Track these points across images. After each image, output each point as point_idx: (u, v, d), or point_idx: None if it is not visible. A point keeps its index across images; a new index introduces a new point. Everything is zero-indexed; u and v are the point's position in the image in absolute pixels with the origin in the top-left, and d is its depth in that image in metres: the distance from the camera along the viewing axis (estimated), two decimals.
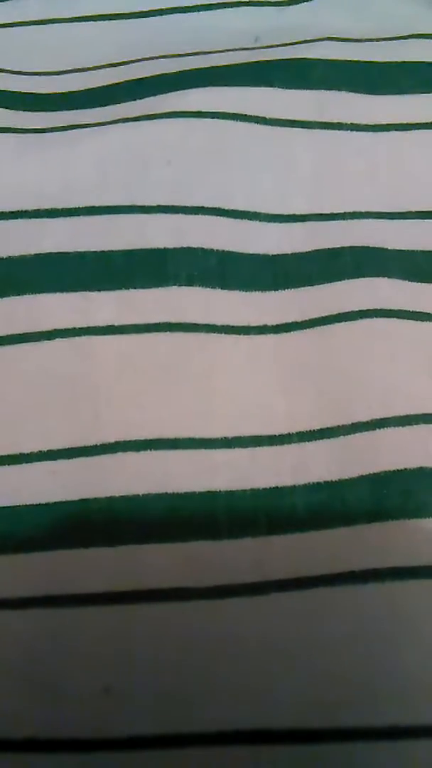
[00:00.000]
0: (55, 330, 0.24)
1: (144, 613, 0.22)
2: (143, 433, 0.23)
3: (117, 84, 0.28)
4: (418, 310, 0.24)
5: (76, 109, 0.27)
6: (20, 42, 0.29)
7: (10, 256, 0.24)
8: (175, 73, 0.28)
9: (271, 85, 0.27)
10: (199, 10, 0.30)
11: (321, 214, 0.26)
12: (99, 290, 0.24)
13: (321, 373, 0.24)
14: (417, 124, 0.27)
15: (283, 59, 0.28)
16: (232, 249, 0.25)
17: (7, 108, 0.27)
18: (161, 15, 0.30)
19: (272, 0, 0.30)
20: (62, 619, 0.22)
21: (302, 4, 0.30)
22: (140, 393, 0.23)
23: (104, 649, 0.21)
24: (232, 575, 0.22)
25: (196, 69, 0.28)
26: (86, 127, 0.27)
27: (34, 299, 0.24)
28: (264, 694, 0.21)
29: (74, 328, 0.24)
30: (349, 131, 0.27)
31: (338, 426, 0.23)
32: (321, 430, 0.23)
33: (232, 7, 0.30)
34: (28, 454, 0.23)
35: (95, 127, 0.27)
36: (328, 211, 0.26)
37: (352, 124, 0.27)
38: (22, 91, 0.28)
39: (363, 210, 0.26)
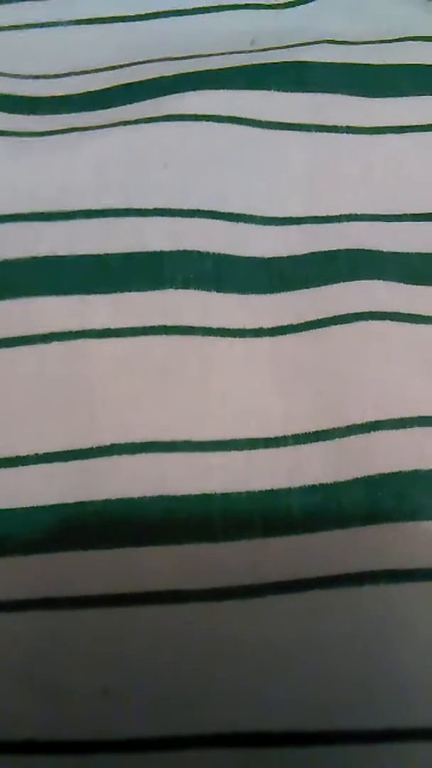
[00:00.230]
0: (51, 333, 0.24)
1: (141, 615, 0.22)
2: (139, 435, 0.23)
3: (114, 87, 0.28)
4: (413, 312, 0.24)
5: (74, 112, 0.27)
6: (18, 45, 0.29)
7: (6, 259, 0.24)
8: (172, 76, 0.28)
9: (267, 88, 0.27)
10: (196, 13, 0.30)
11: (317, 217, 0.26)
12: (95, 293, 0.24)
13: (316, 375, 0.24)
14: (413, 126, 0.27)
15: (279, 62, 0.28)
16: (228, 252, 0.25)
17: (3, 111, 0.27)
18: (159, 18, 0.30)
19: (269, 3, 0.30)
20: (60, 621, 0.22)
21: (299, 6, 0.30)
22: (136, 396, 0.23)
23: (102, 651, 0.22)
24: (228, 577, 0.22)
25: (193, 72, 0.28)
26: (83, 130, 0.27)
27: (30, 302, 0.24)
28: (261, 697, 0.21)
29: (70, 332, 0.24)
30: (345, 134, 0.27)
31: (334, 428, 0.23)
32: (316, 432, 0.23)
33: (229, 10, 0.30)
34: (24, 456, 0.23)
35: (92, 131, 0.27)
36: (323, 214, 0.26)
37: (348, 126, 0.27)
38: (20, 94, 0.28)
39: (359, 212, 0.26)
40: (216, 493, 0.22)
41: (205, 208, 0.25)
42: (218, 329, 0.24)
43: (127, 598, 0.22)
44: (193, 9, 0.30)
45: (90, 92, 0.28)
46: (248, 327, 0.24)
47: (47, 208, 0.25)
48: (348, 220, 0.25)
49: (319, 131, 0.26)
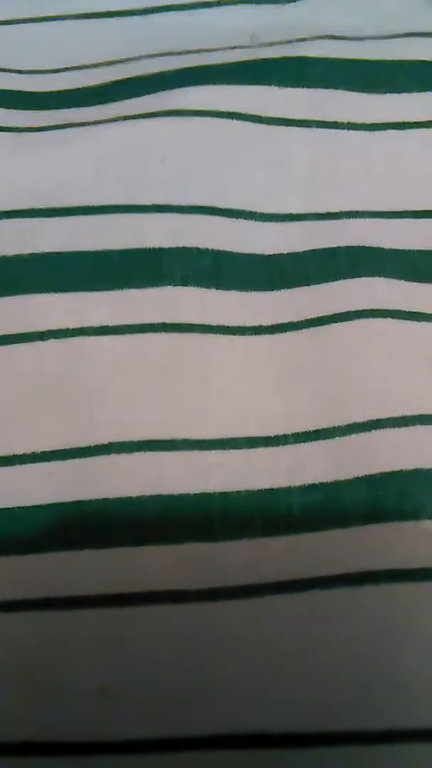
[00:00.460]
0: (49, 330, 0.23)
1: (139, 615, 0.21)
2: (138, 434, 0.23)
3: (114, 82, 0.28)
4: (414, 310, 0.24)
5: (73, 107, 0.27)
6: (16, 40, 0.29)
7: (4, 256, 0.24)
8: (172, 71, 0.28)
9: (268, 84, 0.27)
10: (196, 8, 0.30)
11: (317, 214, 0.25)
12: (94, 290, 0.24)
13: (317, 373, 0.23)
14: (414, 123, 0.27)
15: (280, 57, 0.28)
16: (228, 249, 0.25)
17: (2, 106, 0.27)
18: (158, 13, 0.30)
19: None
20: (58, 621, 0.22)
21: (300, 1, 0.30)
22: (135, 394, 0.23)
23: (100, 652, 0.21)
24: (228, 577, 0.22)
25: (193, 67, 0.28)
26: (83, 125, 0.27)
27: (28, 299, 0.24)
28: (260, 697, 0.21)
29: (68, 329, 0.23)
30: (346, 130, 0.26)
31: (334, 427, 0.23)
32: (317, 431, 0.23)
33: (229, 5, 0.30)
34: (21, 455, 0.23)
35: (92, 126, 0.26)
36: (324, 211, 0.25)
37: (349, 123, 0.27)
38: (18, 89, 0.28)
39: (359, 209, 0.26)
40: (215, 492, 0.22)
41: (205, 205, 0.25)
42: (218, 327, 0.24)
43: (125, 598, 0.22)
44: (193, 4, 0.30)
45: (89, 87, 0.28)
46: (248, 324, 0.24)
47: (46, 204, 0.25)
48: (349, 217, 0.25)
49: (320, 127, 0.26)
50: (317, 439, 0.23)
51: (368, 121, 0.27)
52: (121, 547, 0.22)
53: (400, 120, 0.27)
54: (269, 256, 0.25)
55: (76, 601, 0.22)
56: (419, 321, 0.24)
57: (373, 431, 0.23)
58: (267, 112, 0.27)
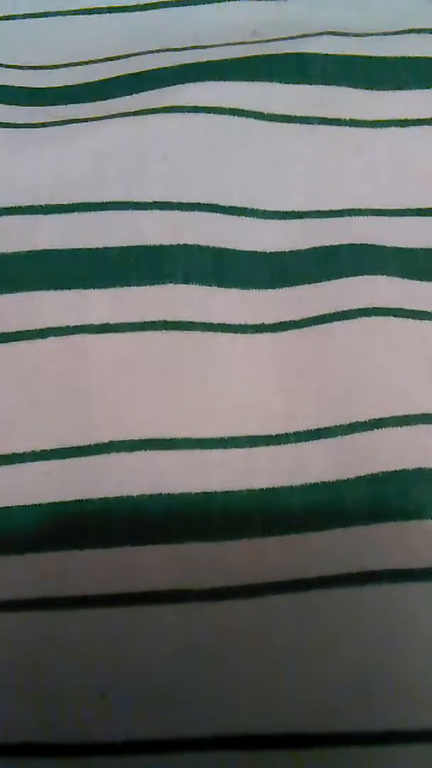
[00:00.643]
0: (48, 328, 0.23)
1: (139, 615, 0.21)
2: (138, 432, 0.23)
3: (114, 78, 0.28)
4: (416, 308, 0.24)
5: (73, 103, 0.27)
6: (16, 36, 0.29)
7: (3, 253, 0.24)
8: (173, 67, 0.27)
9: (269, 80, 0.27)
10: (197, 4, 0.30)
11: (319, 211, 0.25)
12: (94, 288, 0.24)
13: (319, 372, 0.23)
14: (417, 120, 0.27)
15: (282, 54, 0.27)
16: (229, 246, 0.25)
17: (2, 102, 0.27)
18: (159, 8, 0.30)
19: None
20: (57, 621, 0.21)
21: None
22: (135, 392, 0.23)
23: (100, 652, 0.21)
24: (228, 577, 0.22)
25: (194, 63, 0.27)
26: (83, 122, 0.26)
27: (27, 297, 0.24)
28: (260, 698, 0.21)
29: (68, 327, 0.23)
30: (348, 127, 0.26)
31: (336, 426, 0.23)
32: (318, 430, 0.23)
33: (231, 0, 0.30)
34: (21, 454, 0.22)
35: (92, 122, 0.26)
36: (326, 208, 0.25)
37: (351, 119, 0.26)
38: (18, 85, 0.28)
39: (362, 207, 0.25)
40: (216, 491, 0.22)
41: (206, 202, 0.25)
42: (219, 325, 0.24)
43: (125, 598, 0.22)
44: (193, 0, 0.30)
45: (90, 83, 0.28)
46: (249, 323, 0.24)
47: (46, 201, 0.25)
48: (351, 215, 0.25)
49: (322, 124, 0.26)
50: (319, 438, 0.23)
51: (370, 118, 0.26)
52: (121, 547, 0.22)
53: (403, 117, 0.27)
54: (271, 253, 0.25)
55: (76, 600, 0.22)
56: (422, 320, 0.24)
57: (375, 430, 0.22)
58: (269, 108, 0.26)
